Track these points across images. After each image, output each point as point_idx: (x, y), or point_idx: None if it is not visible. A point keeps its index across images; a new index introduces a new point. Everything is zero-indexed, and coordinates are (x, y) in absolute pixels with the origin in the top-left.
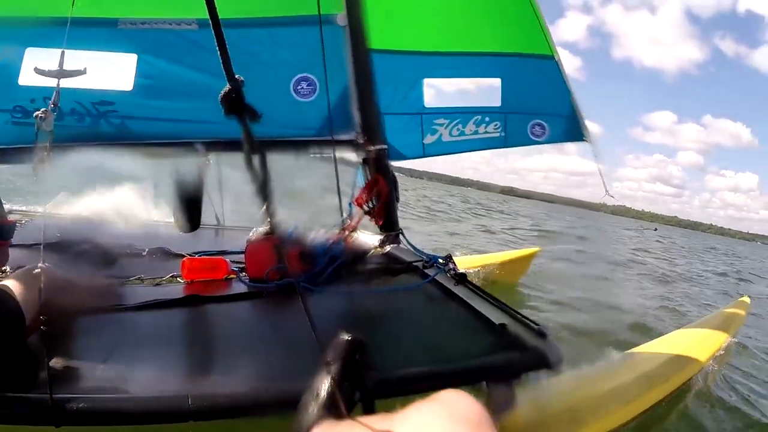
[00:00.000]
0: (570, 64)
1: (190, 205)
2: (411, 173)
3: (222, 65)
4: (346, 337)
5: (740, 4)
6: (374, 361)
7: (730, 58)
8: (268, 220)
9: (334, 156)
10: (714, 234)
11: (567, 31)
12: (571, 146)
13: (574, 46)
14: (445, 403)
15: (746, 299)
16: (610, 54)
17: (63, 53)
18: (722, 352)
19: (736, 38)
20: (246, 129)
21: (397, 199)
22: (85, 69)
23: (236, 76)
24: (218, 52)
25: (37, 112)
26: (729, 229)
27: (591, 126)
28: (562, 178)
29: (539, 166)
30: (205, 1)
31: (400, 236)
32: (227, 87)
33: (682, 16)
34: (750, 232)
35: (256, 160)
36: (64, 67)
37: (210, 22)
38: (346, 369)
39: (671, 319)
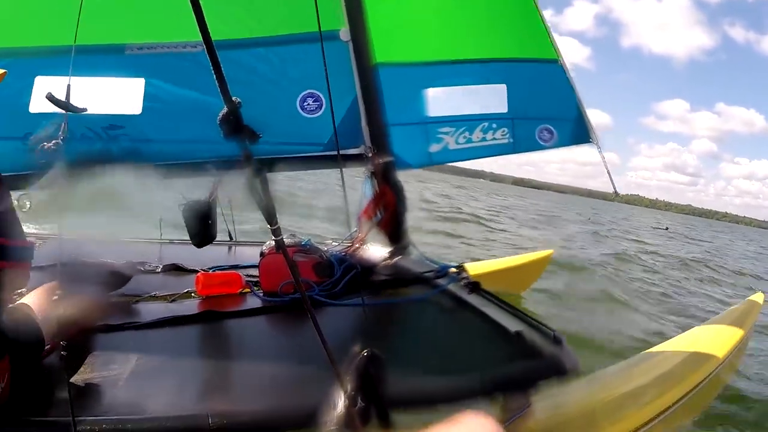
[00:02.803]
0: (579, 54)
1: (203, 219)
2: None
3: (218, 87)
4: (361, 351)
5: None
6: (389, 375)
7: (741, 45)
8: (275, 237)
9: (341, 170)
10: (729, 222)
11: (575, 21)
12: None
13: (583, 35)
14: (466, 426)
15: (760, 295)
16: (619, 42)
17: (69, 87)
18: (738, 350)
19: (745, 25)
20: (245, 151)
21: (405, 210)
22: (85, 108)
23: (233, 98)
24: (213, 75)
25: (47, 144)
26: (744, 216)
27: (601, 116)
28: (577, 168)
29: (553, 157)
30: (197, 23)
31: (410, 246)
32: (224, 109)
33: (689, 2)
34: (766, 219)
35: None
36: (72, 97)
37: (203, 42)
38: (362, 384)
39: None
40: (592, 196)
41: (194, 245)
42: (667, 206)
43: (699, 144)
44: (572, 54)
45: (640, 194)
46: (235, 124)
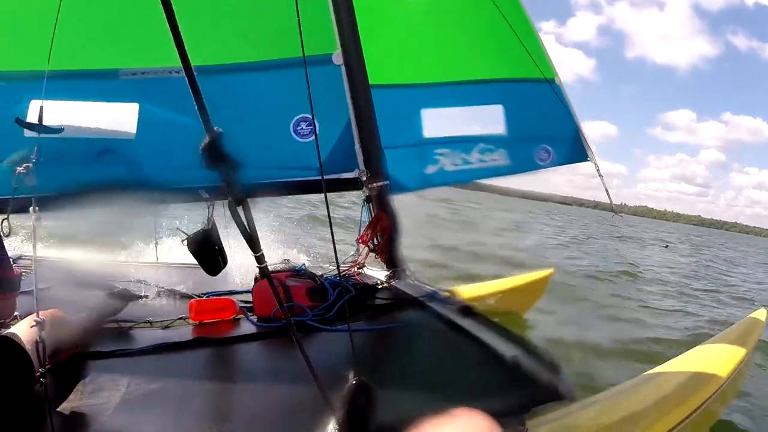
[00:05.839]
0: (584, 66)
1: (210, 247)
2: None
3: (200, 117)
4: (352, 380)
5: None
6: (380, 402)
7: (744, 53)
8: (260, 264)
9: (326, 195)
10: (739, 233)
11: (578, 32)
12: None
13: (587, 46)
14: (460, 422)
15: (762, 312)
16: (623, 53)
17: (42, 108)
18: (740, 369)
19: (747, 33)
20: (227, 180)
21: (400, 234)
22: (63, 128)
23: (215, 128)
24: (195, 105)
25: (19, 168)
26: (754, 227)
27: (608, 128)
28: (583, 179)
29: (561, 169)
30: (176, 50)
31: (406, 271)
32: (206, 139)
33: (690, 11)
34: None
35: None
36: (65, 121)
37: (186, 72)
38: (352, 414)
39: None
40: (598, 207)
41: (208, 275)
42: (676, 217)
43: (707, 154)
44: (577, 66)
45: (649, 205)
46: (215, 153)
